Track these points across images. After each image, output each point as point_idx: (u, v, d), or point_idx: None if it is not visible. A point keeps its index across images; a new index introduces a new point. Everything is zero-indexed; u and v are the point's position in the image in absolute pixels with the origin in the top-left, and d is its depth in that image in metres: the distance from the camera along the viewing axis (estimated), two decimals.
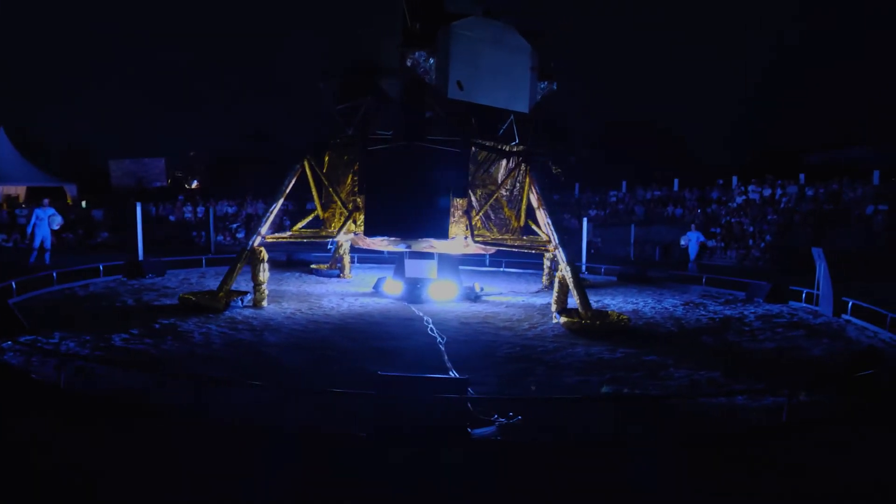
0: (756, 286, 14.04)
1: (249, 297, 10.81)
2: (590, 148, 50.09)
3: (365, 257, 18.47)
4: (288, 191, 11.32)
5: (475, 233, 11.00)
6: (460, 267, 17.62)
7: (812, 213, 26.09)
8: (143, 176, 38.90)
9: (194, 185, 43.89)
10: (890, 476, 4.80)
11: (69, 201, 30.32)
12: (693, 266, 18.71)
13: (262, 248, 10.91)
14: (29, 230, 15.82)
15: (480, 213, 11.07)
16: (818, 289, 12.34)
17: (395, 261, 13.57)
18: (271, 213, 11.12)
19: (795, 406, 5.98)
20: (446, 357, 7.75)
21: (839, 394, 6.45)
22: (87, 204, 31.48)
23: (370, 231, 10.90)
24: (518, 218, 11.80)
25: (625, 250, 27.39)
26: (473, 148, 11.00)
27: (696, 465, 4.83)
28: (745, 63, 46.99)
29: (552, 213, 10.67)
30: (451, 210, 10.85)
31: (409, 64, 10.63)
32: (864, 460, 5.09)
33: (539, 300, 12.67)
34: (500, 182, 11.48)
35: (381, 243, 11.54)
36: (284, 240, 11.76)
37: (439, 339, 8.71)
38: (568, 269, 10.10)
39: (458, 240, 10.97)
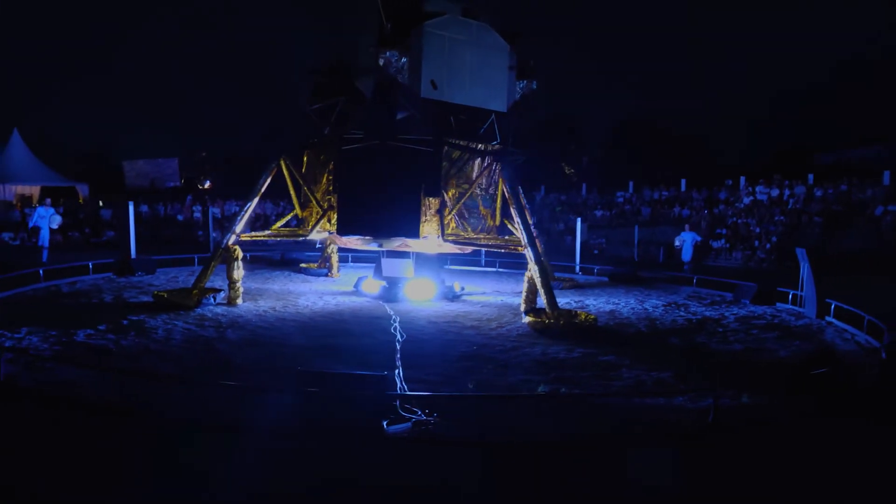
0: (743, 287, 13.83)
1: (223, 294, 10.94)
2: (601, 148, 49.98)
3: (359, 256, 18.53)
4: (263, 190, 11.43)
5: (447, 231, 11.01)
6: (453, 267, 17.70)
7: (820, 213, 25.63)
8: (157, 176, 39.50)
9: (207, 185, 44.43)
10: (807, 482, 4.72)
11: (81, 200, 30.90)
12: (688, 267, 18.53)
13: (237, 247, 11.04)
14: (31, 226, 16.13)
15: (453, 212, 11.07)
16: (802, 290, 12.16)
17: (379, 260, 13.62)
18: (246, 211, 11.25)
19: (725, 408, 5.90)
20: (399, 355, 7.76)
21: (779, 395, 6.36)
22: (102, 203, 32.08)
23: (343, 230, 10.97)
24: (494, 217, 11.78)
25: (629, 251, 27.18)
26: (446, 147, 11.00)
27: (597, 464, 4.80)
28: (758, 62, 46.29)
29: (521, 213, 10.61)
30: (424, 209, 10.88)
31: (381, 63, 10.67)
32: (778, 464, 5.01)
33: (519, 300, 12.60)
34: (473, 181, 11.46)
35: (355, 242, 11.60)
36: (259, 238, 11.88)
37: (399, 337, 8.73)
38: (535, 268, 10.06)
39: (431, 238, 10.98)
